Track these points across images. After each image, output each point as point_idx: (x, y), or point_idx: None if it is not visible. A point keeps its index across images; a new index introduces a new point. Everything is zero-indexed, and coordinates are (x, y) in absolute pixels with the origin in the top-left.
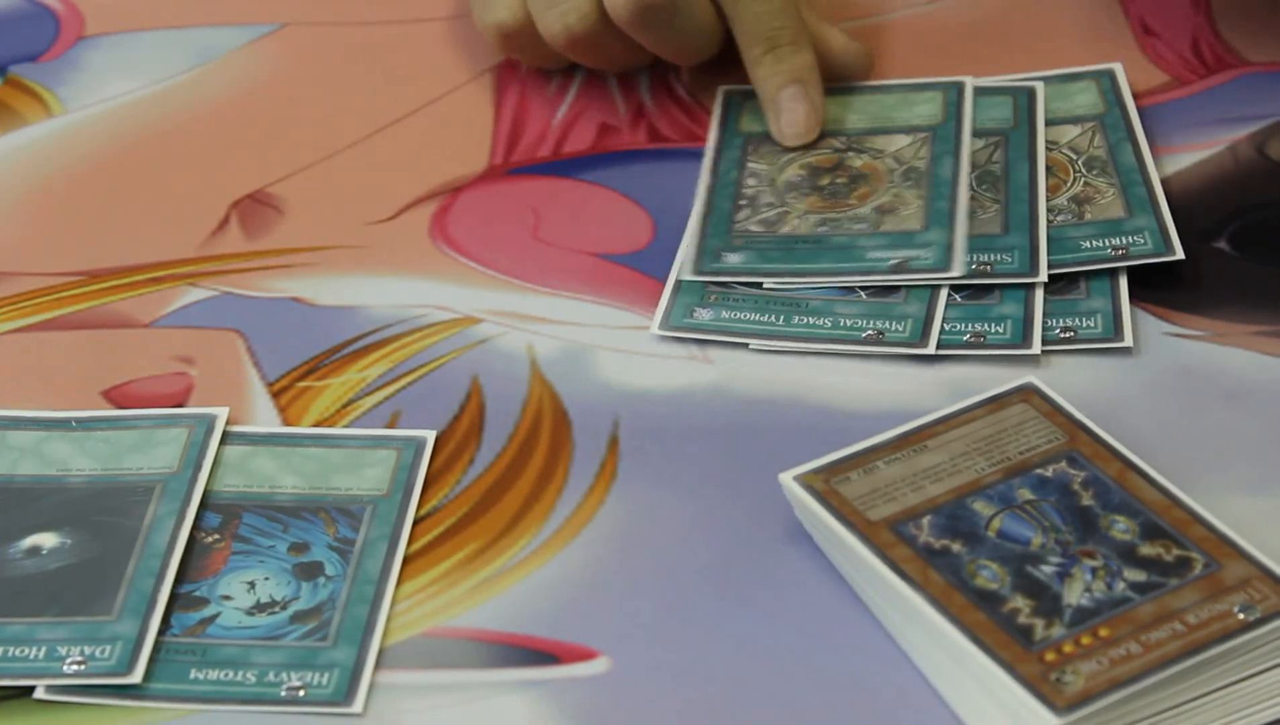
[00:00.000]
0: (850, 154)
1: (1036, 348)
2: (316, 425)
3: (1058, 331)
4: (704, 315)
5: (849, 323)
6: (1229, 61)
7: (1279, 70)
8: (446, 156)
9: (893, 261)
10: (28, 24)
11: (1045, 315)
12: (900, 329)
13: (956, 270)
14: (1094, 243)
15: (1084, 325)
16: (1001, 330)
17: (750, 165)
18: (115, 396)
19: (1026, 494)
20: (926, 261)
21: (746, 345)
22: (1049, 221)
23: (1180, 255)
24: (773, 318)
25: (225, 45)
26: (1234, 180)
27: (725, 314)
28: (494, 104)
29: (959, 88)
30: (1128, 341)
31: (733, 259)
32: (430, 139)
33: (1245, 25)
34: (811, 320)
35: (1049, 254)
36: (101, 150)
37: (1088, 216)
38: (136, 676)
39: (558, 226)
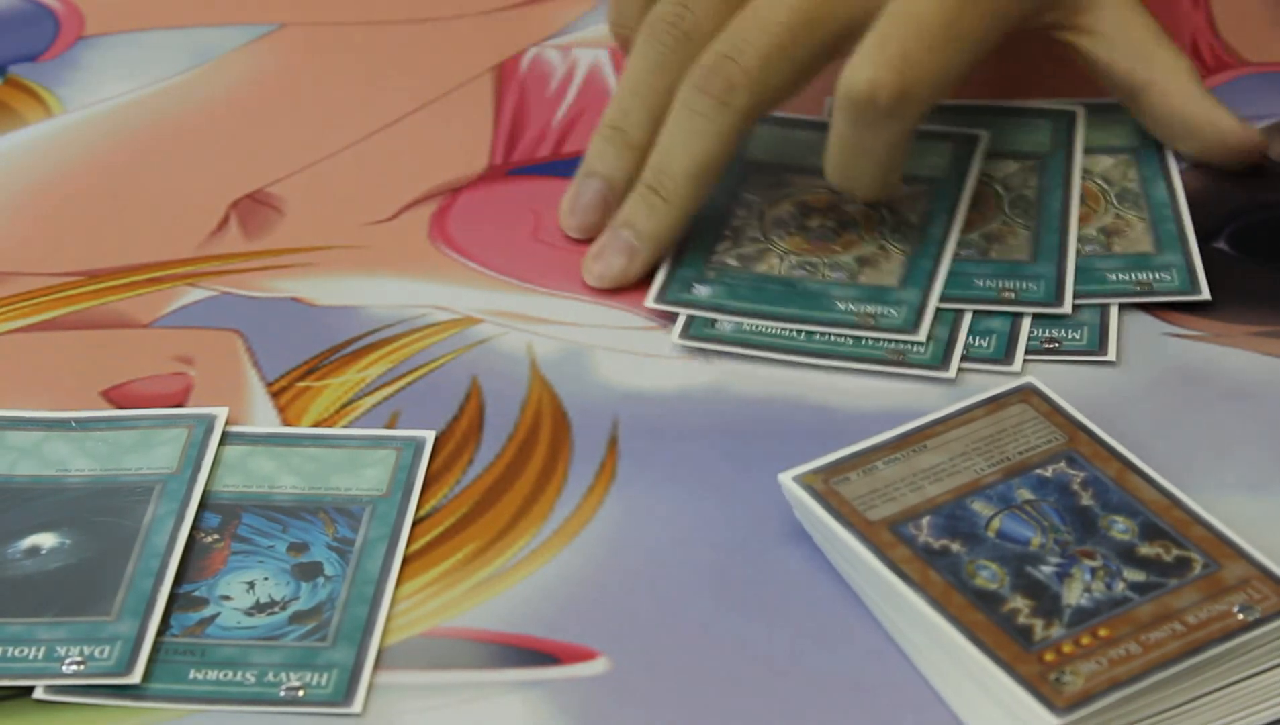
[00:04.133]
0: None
1: (1018, 366)
2: (316, 425)
3: (1041, 342)
4: (725, 327)
5: (872, 342)
6: (1229, 61)
7: (1279, 70)
8: (446, 156)
9: (857, 315)
10: (27, 24)
11: (1030, 324)
12: (921, 351)
13: (922, 334)
14: (1120, 276)
15: (1069, 337)
16: (985, 344)
17: (744, 195)
18: (115, 396)
19: (1026, 494)
20: (893, 321)
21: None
22: (1077, 251)
23: (1206, 296)
24: (794, 332)
25: (224, 45)
26: (1234, 180)
27: (746, 325)
28: (494, 104)
29: (973, 140)
30: (1111, 356)
31: (701, 291)
32: (430, 139)
33: (1245, 25)
34: (834, 334)
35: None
36: (101, 150)
37: (1116, 248)
38: (136, 677)
39: (558, 226)
